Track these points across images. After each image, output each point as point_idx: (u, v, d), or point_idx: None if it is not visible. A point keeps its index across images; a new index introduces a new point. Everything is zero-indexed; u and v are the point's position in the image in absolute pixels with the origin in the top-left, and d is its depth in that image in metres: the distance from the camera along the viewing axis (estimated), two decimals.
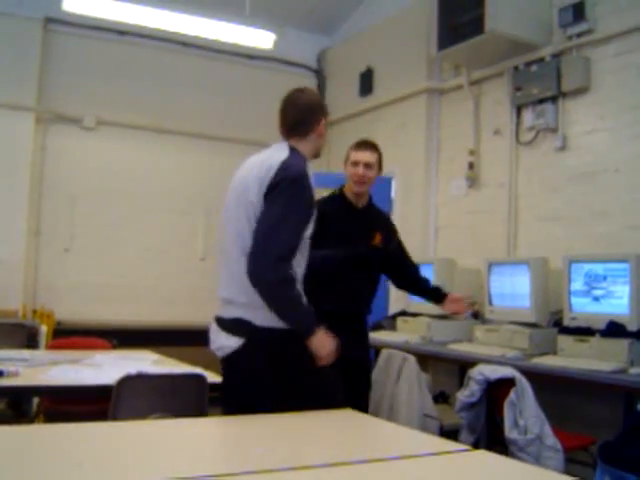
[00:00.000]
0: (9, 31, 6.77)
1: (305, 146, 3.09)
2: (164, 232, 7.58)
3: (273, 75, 8.13)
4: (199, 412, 3.05)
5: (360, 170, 3.89)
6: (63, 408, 4.28)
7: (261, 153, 3.13)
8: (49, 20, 6.99)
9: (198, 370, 3.50)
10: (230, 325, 2.90)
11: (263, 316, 2.80)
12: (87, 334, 5.26)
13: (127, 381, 2.99)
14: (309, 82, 8.39)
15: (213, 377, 3.43)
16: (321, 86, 8.41)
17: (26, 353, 4.11)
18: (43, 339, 5.98)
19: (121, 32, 7.26)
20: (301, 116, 3.11)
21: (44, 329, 6.06)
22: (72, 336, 5.19)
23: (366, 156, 3.92)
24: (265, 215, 2.83)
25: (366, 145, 4.02)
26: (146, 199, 7.50)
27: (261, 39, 6.73)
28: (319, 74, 8.45)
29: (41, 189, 7.02)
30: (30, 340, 6.01)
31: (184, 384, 3.22)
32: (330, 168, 8.01)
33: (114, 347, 4.90)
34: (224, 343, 2.88)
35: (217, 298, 3.05)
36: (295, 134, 3.10)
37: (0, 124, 6.71)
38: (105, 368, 3.65)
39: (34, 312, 6.71)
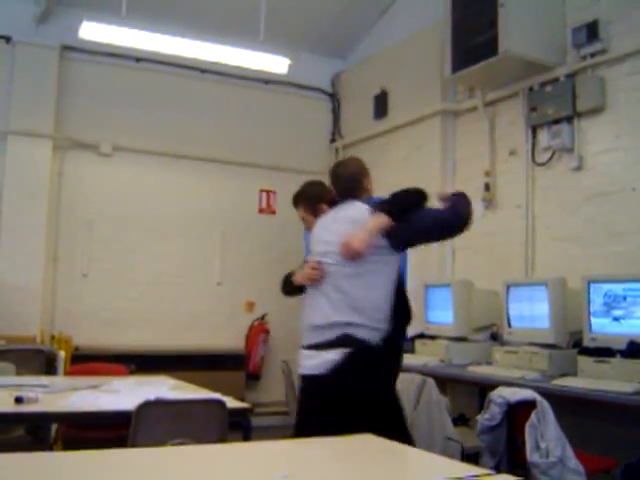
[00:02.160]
0: (27, 59, 6.86)
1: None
2: (181, 257, 7.60)
3: (288, 99, 8.18)
4: (219, 438, 3.04)
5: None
6: (82, 434, 4.28)
7: (345, 209, 3.65)
8: (66, 48, 7.08)
9: (217, 395, 3.49)
10: (333, 342, 3.41)
11: (361, 332, 3.39)
12: (105, 359, 5.28)
13: (146, 407, 2.98)
14: (324, 106, 8.44)
15: (232, 402, 3.42)
16: (335, 109, 8.44)
17: (45, 379, 4.10)
18: (61, 365, 5.99)
19: (137, 59, 7.34)
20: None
21: (62, 355, 6.07)
22: (90, 361, 5.21)
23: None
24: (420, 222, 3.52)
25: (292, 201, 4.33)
26: (162, 224, 7.53)
27: (275, 64, 6.75)
28: (333, 97, 8.48)
29: (58, 215, 7.06)
30: (48, 366, 6.02)
31: (203, 410, 3.21)
32: None
33: (132, 372, 4.90)
34: (325, 359, 3.39)
35: (307, 328, 3.58)
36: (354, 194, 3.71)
37: (18, 151, 6.78)
38: (123, 394, 3.64)
39: (52, 338, 6.73)
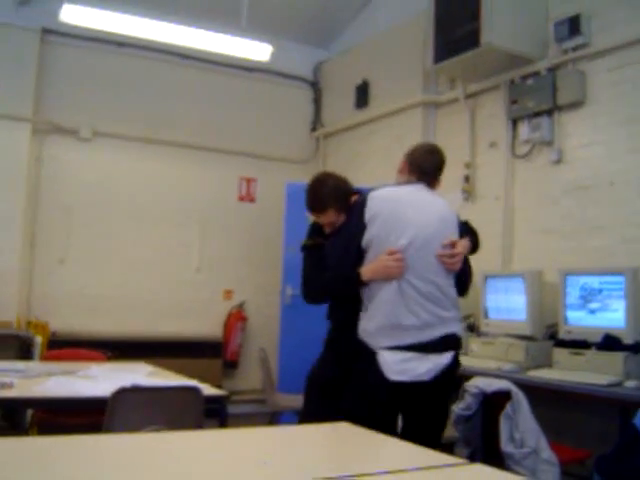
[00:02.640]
0: (6, 41, 6.77)
1: None
2: (159, 244, 7.56)
3: (270, 87, 8.16)
4: (195, 425, 3.04)
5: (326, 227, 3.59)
6: (57, 420, 4.26)
7: (427, 192, 3.46)
8: (46, 31, 6.99)
9: (193, 382, 3.49)
10: (443, 342, 3.19)
11: (459, 328, 3.33)
12: (82, 345, 5.25)
13: (122, 393, 2.98)
14: (305, 95, 8.42)
15: (209, 389, 3.42)
16: (317, 99, 8.43)
17: (20, 364, 4.09)
18: (38, 350, 5.97)
19: (118, 43, 7.27)
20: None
21: (39, 340, 6.05)
22: (67, 347, 5.18)
23: (320, 219, 3.60)
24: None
25: (311, 209, 3.63)
26: (141, 210, 7.49)
27: (258, 51, 6.74)
28: (315, 86, 8.46)
29: (37, 200, 7.01)
30: (24, 351, 6.00)
31: (179, 397, 3.21)
32: None
33: (109, 359, 4.88)
34: (438, 363, 3.16)
35: (392, 327, 3.18)
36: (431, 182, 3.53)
37: None
38: (100, 380, 3.63)
39: (29, 323, 6.68)
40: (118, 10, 5.95)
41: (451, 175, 6.26)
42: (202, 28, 6.39)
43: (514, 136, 5.78)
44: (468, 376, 3.99)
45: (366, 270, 3.21)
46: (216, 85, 7.91)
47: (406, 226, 3.23)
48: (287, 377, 6.56)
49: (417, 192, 3.40)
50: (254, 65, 7.74)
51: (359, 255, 3.28)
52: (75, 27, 6.53)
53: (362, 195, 3.41)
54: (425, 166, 3.48)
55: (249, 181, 8.07)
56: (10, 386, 3.27)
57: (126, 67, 7.46)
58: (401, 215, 3.25)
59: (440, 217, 3.35)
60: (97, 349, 5.00)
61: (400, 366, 3.12)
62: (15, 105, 6.79)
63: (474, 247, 3.53)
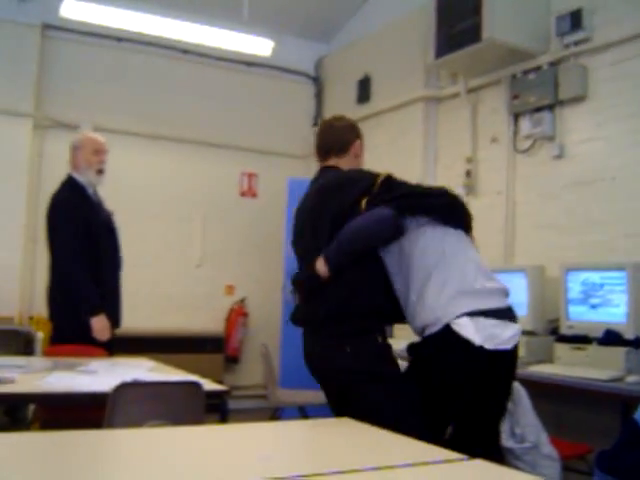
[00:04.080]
0: (7, 37, 6.77)
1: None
2: (161, 239, 7.56)
3: (271, 82, 8.15)
4: (195, 420, 3.04)
5: None
6: (58, 415, 4.26)
7: None
8: (47, 26, 6.99)
9: (194, 377, 3.49)
10: (512, 313, 3.06)
11: None
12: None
13: (123, 389, 2.97)
14: (307, 89, 8.41)
15: (210, 385, 3.42)
16: (319, 93, 8.42)
17: (21, 360, 4.09)
18: (39, 346, 5.97)
19: (119, 39, 7.26)
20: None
21: (40, 336, 6.04)
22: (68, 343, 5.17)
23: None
24: None
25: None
26: (143, 205, 7.49)
27: (259, 46, 6.74)
28: (317, 81, 8.45)
29: (38, 195, 6.98)
30: (26, 347, 6.01)
31: (180, 392, 3.21)
32: None
33: (110, 354, 4.88)
34: (517, 331, 2.98)
35: (487, 289, 3.12)
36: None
37: None
38: (101, 375, 3.62)
39: (30, 319, 6.68)
40: (118, 5, 5.94)
41: (453, 170, 6.29)
42: (203, 23, 6.39)
43: (515, 131, 5.77)
44: None
45: None
46: (217, 80, 7.90)
47: None
48: (289, 372, 6.57)
49: None
50: (255, 60, 7.73)
51: None
52: (76, 22, 6.52)
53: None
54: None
55: (250, 176, 8.07)
56: (11, 381, 3.27)
57: (127, 62, 7.45)
58: None
59: None
60: (98, 345, 4.99)
61: (487, 331, 2.86)
62: (16, 100, 6.79)
63: None
